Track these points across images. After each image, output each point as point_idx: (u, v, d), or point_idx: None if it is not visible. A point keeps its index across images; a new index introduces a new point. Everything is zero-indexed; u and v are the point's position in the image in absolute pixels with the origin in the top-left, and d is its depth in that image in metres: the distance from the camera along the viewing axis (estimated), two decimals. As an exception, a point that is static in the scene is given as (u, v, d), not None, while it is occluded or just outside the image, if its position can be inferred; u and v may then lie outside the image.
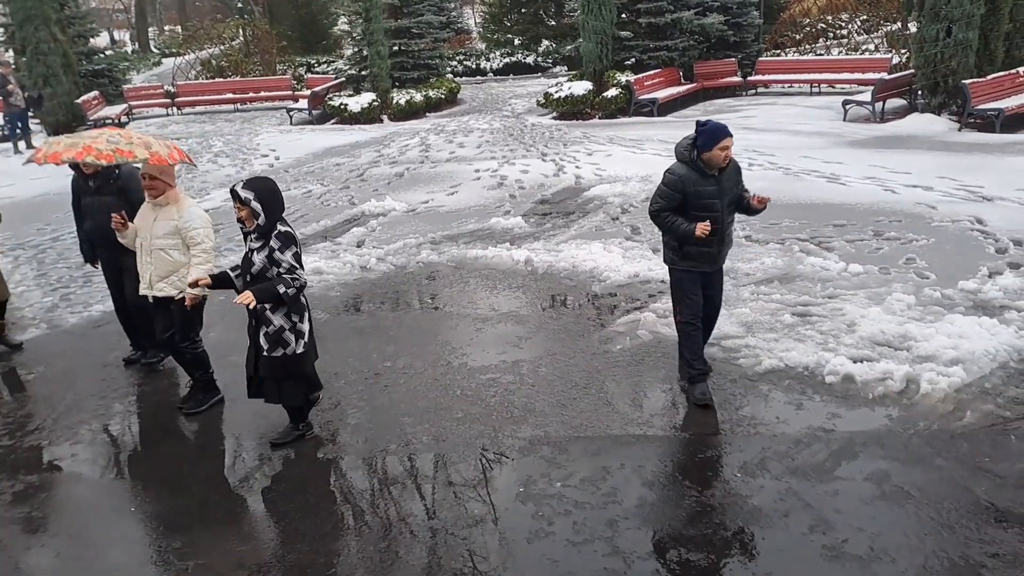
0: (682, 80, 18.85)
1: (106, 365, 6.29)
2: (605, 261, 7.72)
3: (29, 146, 15.80)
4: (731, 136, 4.83)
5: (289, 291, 4.48)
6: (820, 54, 21.42)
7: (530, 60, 26.91)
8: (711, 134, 4.78)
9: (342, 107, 18.50)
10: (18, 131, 16.30)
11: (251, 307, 4.47)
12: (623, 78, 17.57)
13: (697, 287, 5.13)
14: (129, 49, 35.37)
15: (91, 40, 23.01)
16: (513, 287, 7.43)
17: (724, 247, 5.12)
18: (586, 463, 4.53)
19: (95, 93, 19.62)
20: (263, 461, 4.83)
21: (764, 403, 5.10)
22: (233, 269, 4.80)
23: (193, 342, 5.36)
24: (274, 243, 4.52)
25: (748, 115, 16.38)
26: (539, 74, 26.03)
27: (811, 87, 18.94)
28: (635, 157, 12.50)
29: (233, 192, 4.53)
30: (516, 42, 27.72)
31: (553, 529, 4.00)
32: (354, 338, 6.53)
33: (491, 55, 27.47)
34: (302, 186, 12.10)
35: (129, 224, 5.29)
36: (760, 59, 19.74)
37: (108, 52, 24.95)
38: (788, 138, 13.55)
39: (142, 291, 5.34)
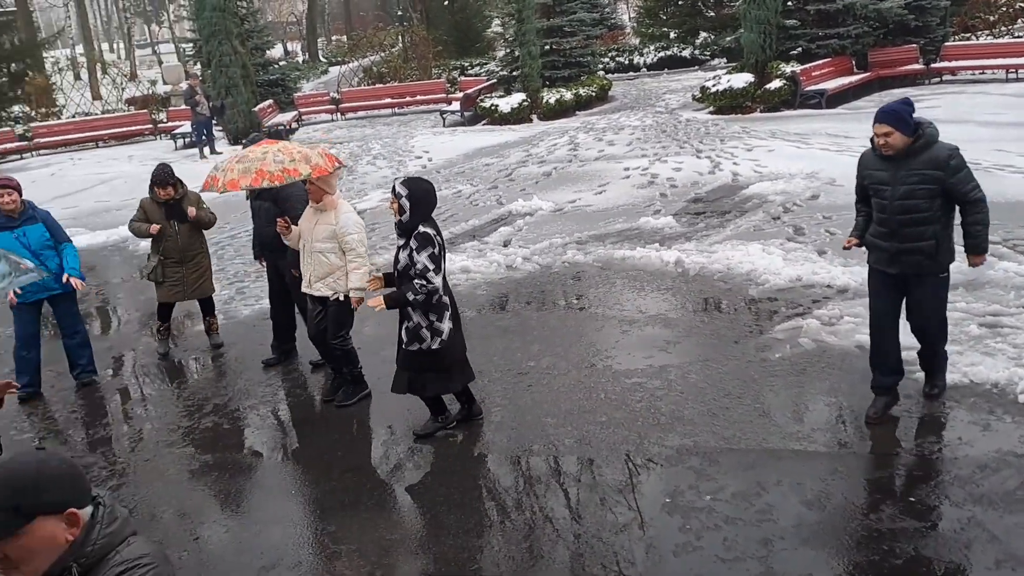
0: (854, 69, 17.65)
1: (272, 355, 6.72)
2: (764, 263, 7.36)
3: (213, 151, 17.28)
4: (885, 123, 4.30)
5: (417, 297, 4.63)
6: (1018, 36, 19.38)
7: (686, 53, 26.23)
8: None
9: (492, 108, 18.86)
10: (203, 137, 17.91)
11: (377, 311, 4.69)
12: (788, 69, 16.71)
13: (880, 288, 4.63)
14: (300, 59, 37.93)
15: (267, 52, 24.83)
16: (662, 289, 7.25)
17: (903, 246, 4.41)
18: (739, 477, 4.32)
19: (270, 101, 21.16)
20: (411, 453, 4.98)
21: (945, 422, 4.66)
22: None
23: (344, 339, 5.60)
24: (413, 243, 4.67)
25: (931, 105, 15.06)
26: (695, 68, 25.32)
27: (1007, 73, 17.16)
28: (800, 152, 11.84)
29: (393, 187, 4.77)
30: (671, 35, 27.11)
31: (701, 544, 3.84)
32: (499, 337, 6.61)
33: (645, 50, 27.02)
34: (452, 186, 12.44)
35: (292, 228, 5.62)
36: (946, 44, 18.12)
37: (282, 63, 26.90)
38: (978, 130, 12.33)
39: (303, 289, 5.67)
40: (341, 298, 5.43)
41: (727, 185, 10.57)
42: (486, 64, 25.95)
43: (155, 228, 6.54)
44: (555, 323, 6.81)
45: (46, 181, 16.04)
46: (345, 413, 5.62)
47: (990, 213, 4.55)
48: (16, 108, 24.12)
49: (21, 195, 6.07)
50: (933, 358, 4.79)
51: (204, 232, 6.86)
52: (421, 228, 4.68)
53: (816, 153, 11.44)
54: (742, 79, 16.92)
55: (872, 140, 4.47)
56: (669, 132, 15.03)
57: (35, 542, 1.70)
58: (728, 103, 16.80)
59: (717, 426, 4.86)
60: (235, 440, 5.46)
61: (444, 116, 20.19)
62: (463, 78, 23.91)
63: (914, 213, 4.36)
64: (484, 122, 19.14)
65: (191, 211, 6.57)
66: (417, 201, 4.68)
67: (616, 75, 25.23)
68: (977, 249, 4.53)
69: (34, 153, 20.62)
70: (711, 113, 16.95)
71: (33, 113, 23.83)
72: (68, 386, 6.50)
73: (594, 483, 4.45)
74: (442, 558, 3.99)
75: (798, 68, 16.66)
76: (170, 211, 6.59)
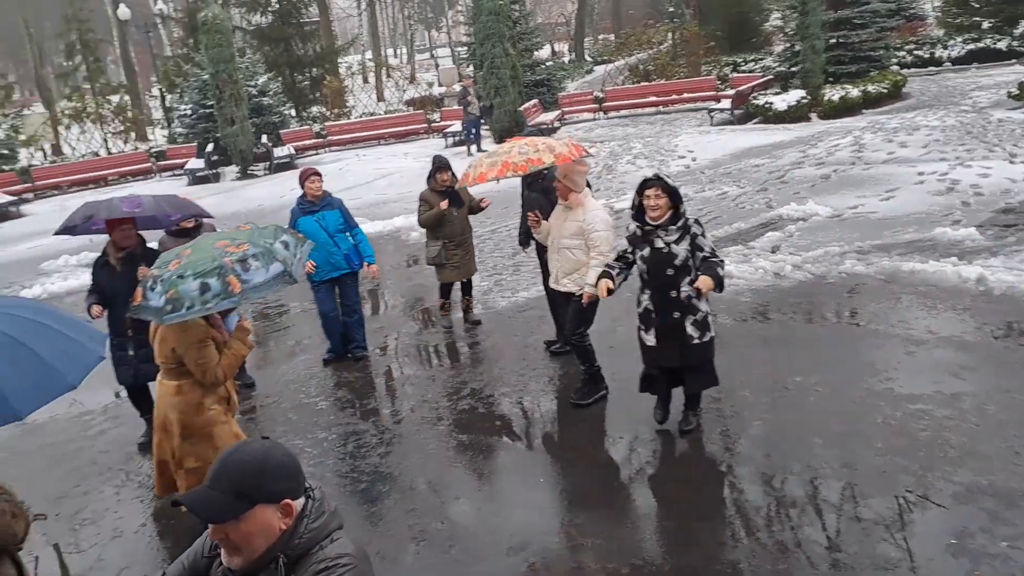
0: None
1: (526, 346, 7.08)
2: (1093, 286, 6.38)
3: (479, 149, 18.51)
4: None
5: (723, 271, 4.70)
6: None
7: (1001, 45, 23.27)
8: None
9: (766, 106, 18.15)
10: (472, 136, 19.25)
11: (690, 297, 4.72)
12: None
13: None
14: (566, 59, 39.24)
15: (535, 53, 26.04)
16: (958, 308, 6.55)
17: None
18: (1045, 528, 3.81)
19: (534, 101, 22.18)
20: (657, 457, 5.00)
21: None
22: (614, 267, 5.06)
23: (581, 336, 5.72)
24: (696, 229, 4.76)
25: None
26: (1012, 61, 22.38)
27: None
28: None
29: (656, 178, 4.79)
30: (984, 25, 24.22)
31: (992, 596, 3.45)
32: (761, 347, 6.39)
33: (950, 42, 24.38)
34: (717, 188, 12.17)
35: (543, 222, 5.87)
36: None
37: (548, 63, 27.99)
38: None
39: (550, 284, 5.91)
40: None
41: (1049, 195, 9.26)
42: (761, 60, 25.04)
43: (444, 204, 7.25)
44: (826, 337, 6.44)
45: (335, 175, 18.14)
46: (592, 410, 5.75)
47: None
48: (314, 109, 27.64)
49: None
50: None
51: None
52: (690, 216, 4.79)
53: None
54: (1076, 71, 14.68)
55: None
56: (976, 133, 13.47)
57: (254, 527, 1.84)
58: (1056, 100, 14.68)
59: (1020, 466, 4.31)
60: (488, 424, 5.83)
61: (712, 114, 19.80)
62: (735, 75, 23.29)
63: None
64: (755, 121, 18.49)
65: (485, 200, 7.48)
66: (678, 195, 4.78)
67: (912, 70, 23.07)
68: None
69: (327, 149, 23.43)
70: (1032, 112, 14.92)
71: (327, 113, 27.12)
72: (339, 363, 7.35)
73: (860, 513, 4.17)
74: (689, 567, 3.97)
75: None
76: (450, 199, 7.28)
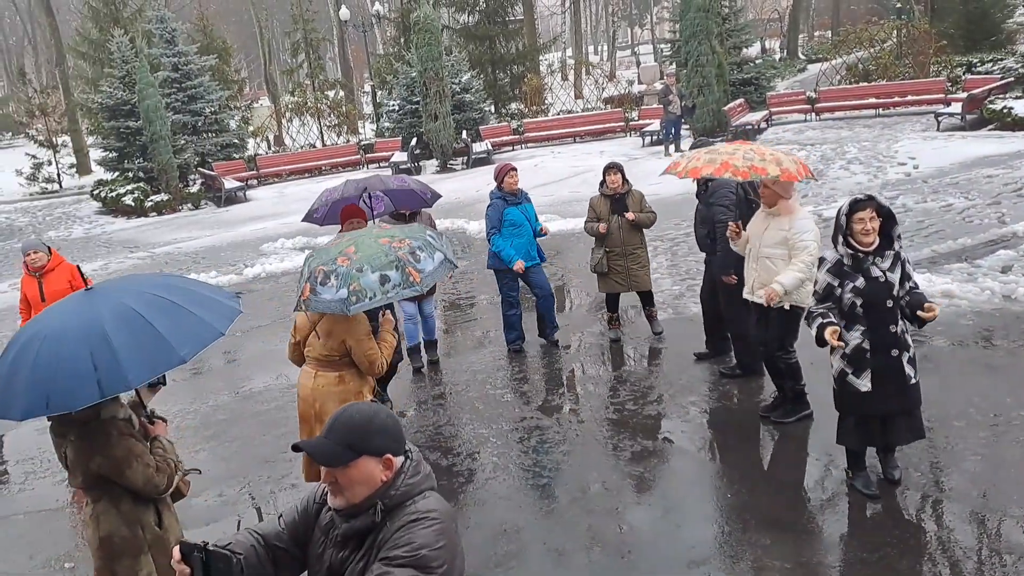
0: None
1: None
2: None
3: (678, 150, 18.27)
4: None
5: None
6: None
7: None
8: None
9: (1005, 111, 16.51)
10: (671, 135, 19.04)
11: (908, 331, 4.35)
12: None
13: None
14: (777, 57, 37.73)
15: (743, 50, 25.27)
16: None
17: None
18: None
19: (740, 100, 21.53)
20: (848, 487, 4.76)
21: None
22: (829, 313, 4.39)
23: (787, 352, 5.47)
24: (904, 254, 4.37)
25: None
26: None
27: None
28: None
29: (867, 198, 4.30)
30: None
31: None
32: (983, 375, 5.89)
33: None
34: (941, 199, 11.27)
35: (742, 232, 5.66)
36: None
37: (758, 61, 27.03)
38: None
39: (744, 294, 5.70)
40: (787, 307, 5.33)
41: None
42: (1001, 60, 22.78)
43: (603, 227, 7.21)
44: (1062, 371, 5.83)
45: (530, 171, 18.62)
46: (782, 430, 5.57)
47: None
48: (513, 105, 28.51)
49: None
50: None
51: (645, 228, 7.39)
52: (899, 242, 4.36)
53: None
54: None
55: None
56: None
57: (358, 475, 2.14)
58: None
59: None
60: (673, 432, 5.79)
61: (939, 119, 18.31)
62: (969, 76, 21.37)
63: None
64: (991, 127, 16.88)
65: (629, 215, 7.16)
66: (891, 214, 4.33)
67: None
68: None
69: (523, 146, 24.09)
70: None
71: (526, 110, 27.86)
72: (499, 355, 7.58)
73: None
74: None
75: None
76: (615, 205, 7.25)
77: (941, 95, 19.97)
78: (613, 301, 7.69)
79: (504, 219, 7.28)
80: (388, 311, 5.03)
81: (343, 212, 6.09)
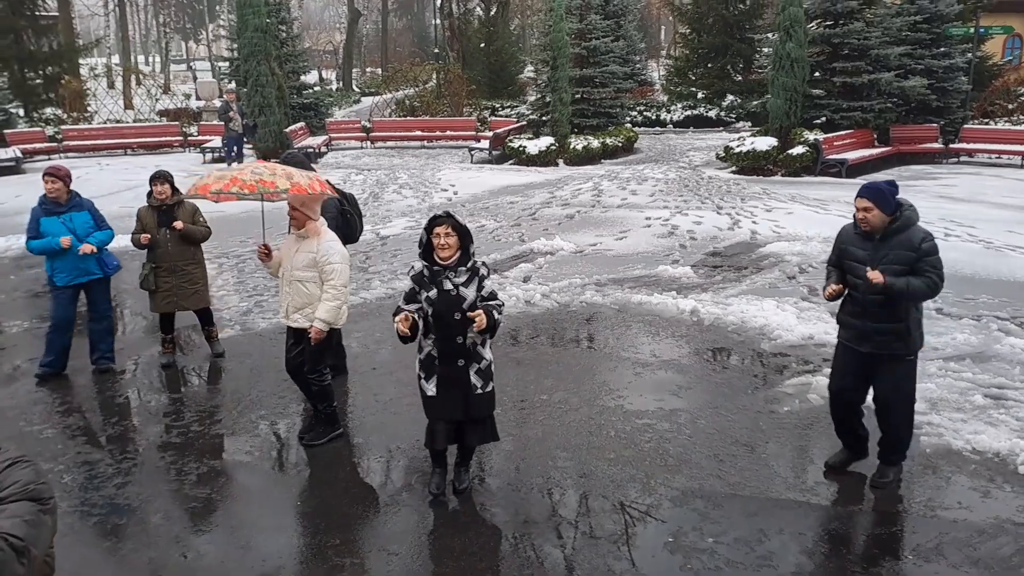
0: (875, 143, 18.02)
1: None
2: (777, 319, 7.47)
3: (239, 168, 17.64)
4: (866, 198, 4.33)
5: (500, 319, 4.47)
6: (1036, 126, 19.69)
7: (712, 114, 26.69)
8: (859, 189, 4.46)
9: (520, 149, 19.21)
10: (232, 153, 18.28)
11: (475, 343, 4.45)
12: (811, 136, 17.04)
13: (845, 363, 4.66)
14: (334, 87, 38.70)
15: (302, 76, 25.41)
16: (676, 336, 7.36)
17: (875, 325, 4.44)
18: (742, 523, 4.39)
19: (301, 124, 21.61)
20: (409, 476, 5.05)
21: (945, 486, 4.72)
22: (410, 308, 4.45)
23: (320, 375, 5.35)
24: (483, 271, 4.49)
25: (948, 184, 15.33)
26: (720, 128, 25.72)
27: (1023, 159, 17.48)
28: (818, 217, 12.04)
29: (445, 216, 4.41)
30: (699, 95, 27.62)
31: (700, 583, 3.90)
32: (512, 368, 6.71)
33: (672, 107, 27.51)
34: (476, 221, 12.65)
35: (273, 254, 5.43)
36: (965, 126, 18.51)
37: (316, 88, 27.40)
38: (992, 211, 12.53)
39: (279, 319, 5.58)
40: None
41: (745, 242, 10.74)
42: (517, 107, 26.48)
43: (146, 238, 6.59)
44: (569, 360, 6.91)
45: (74, 183, 16.37)
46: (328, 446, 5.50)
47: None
48: (48, 110, 24.66)
49: (68, 185, 6.50)
50: (894, 447, 4.69)
51: (201, 244, 6.88)
52: (476, 258, 4.56)
53: (834, 219, 11.61)
54: (766, 142, 17.24)
55: (854, 216, 4.50)
56: (691, 187, 15.27)
57: None
58: (751, 164, 17.09)
59: (724, 472, 4.93)
60: (242, 450, 5.51)
61: (472, 153, 20.55)
62: (493, 118, 24.38)
63: (886, 294, 4.33)
64: (511, 162, 19.47)
65: (177, 224, 6.62)
66: (468, 235, 4.51)
67: (643, 128, 25.66)
68: (888, 275, 4.29)
69: (62, 155, 21.00)
70: (733, 172, 17.23)
71: (65, 116, 24.34)
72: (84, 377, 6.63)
73: (593, 519, 4.51)
74: (442, 577, 4.06)
75: (821, 136, 17.04)
76: (163, 217, 6.65)
77: (473, 132, 22.43)
78: (167, 321, 6.98)
79: (39, 230, 6.32)
80: None
81: None
